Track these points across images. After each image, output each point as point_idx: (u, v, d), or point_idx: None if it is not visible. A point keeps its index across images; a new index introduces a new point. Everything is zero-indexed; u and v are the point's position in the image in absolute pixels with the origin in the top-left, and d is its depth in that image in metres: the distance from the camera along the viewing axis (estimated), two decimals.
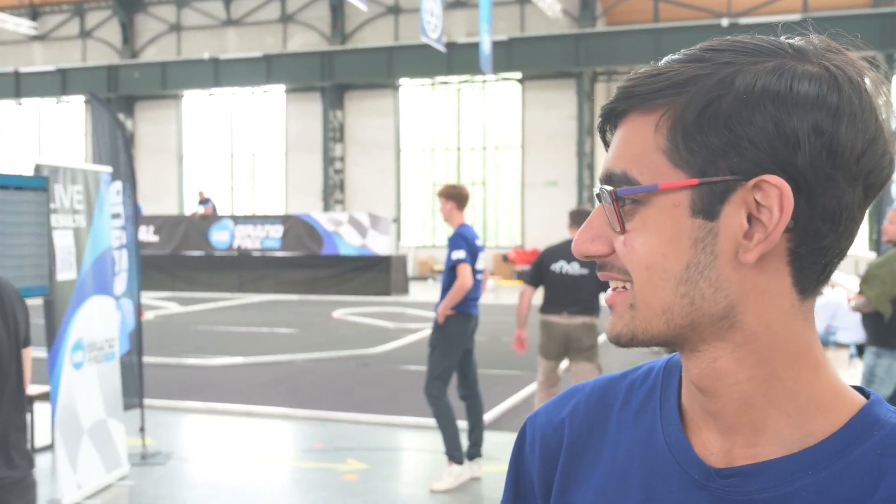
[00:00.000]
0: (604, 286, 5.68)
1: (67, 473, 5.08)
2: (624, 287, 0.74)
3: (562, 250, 5.96)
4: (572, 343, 5.92)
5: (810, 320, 0.73)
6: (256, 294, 19.23)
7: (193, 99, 28.21)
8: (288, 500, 5.51)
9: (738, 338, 0.71)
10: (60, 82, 27.42)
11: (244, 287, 19.53)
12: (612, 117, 0.75)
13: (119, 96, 26.98)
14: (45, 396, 6.04)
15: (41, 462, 6.10)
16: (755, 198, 0.68)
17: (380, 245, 19.21)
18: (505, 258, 23.52)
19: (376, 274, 19.01)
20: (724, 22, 21.04)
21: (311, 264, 19.33)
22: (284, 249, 19.63)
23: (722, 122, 0.68)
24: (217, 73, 26.04)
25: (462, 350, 5.66)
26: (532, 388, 8.33)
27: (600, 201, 0.74)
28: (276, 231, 19.77)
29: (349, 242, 19.29)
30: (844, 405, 0.72)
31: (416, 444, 6.84)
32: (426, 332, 8.92)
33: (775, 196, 0.67)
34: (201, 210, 21.96)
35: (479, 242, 5.68)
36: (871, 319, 5.44)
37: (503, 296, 18.55)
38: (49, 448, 6.02)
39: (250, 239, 19.87)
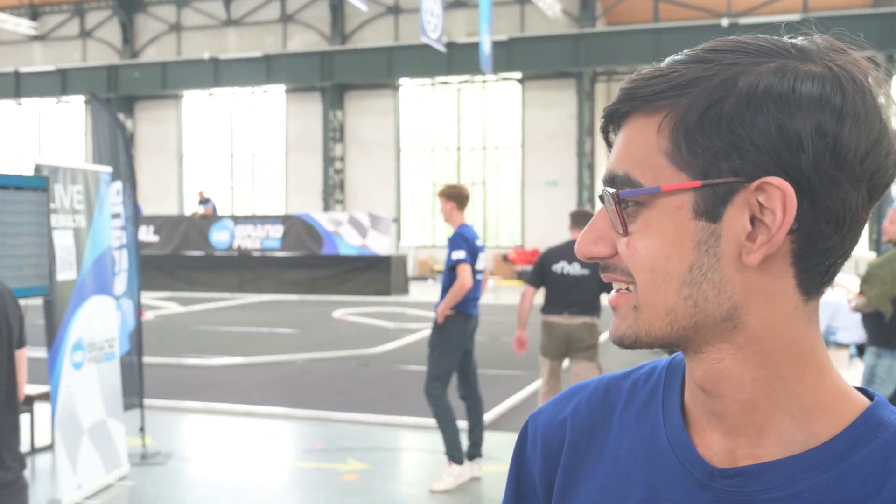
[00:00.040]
0: (604, 287, 5.72)
1: (67, 473, 5.08)
2: (627, 289, 0.73)
3: (563, 251, 5.99)
4: (573, 343, 5.94)
5: (814, 322, 0.72)
6: (256, 294, 19.23)
7: (193, 99, 28.21)
8: (288, 500, 5.51)
9: (742, 339, 0.71)
10: (60, 82, 27.42)
11: (244, 287, 19.53)
12: (615, 118, 0.75)
13: (119, 96, 26.98)
14: (45, 396, 6.04)
15: (41, 462, 6.10)
16: (758, 200, 0.68)
17: (380, 245, 19.21)
18: (505, 258, 23.52)
19: (376, 274, 19.01)
20: (724, 22, 21.04)
21: (311, 264, 19.33)
22: (284, 249, 19.63)
23: (724, 124, 0.68)
24: (217, 73, 26.04)
25: (462, 350, 5.66)
26: (531, 388, 8.33)
27: (603, 203, 0.74)
28: (276, 231, 19.77)
29: (349, 242, 19.29)
30: (848, 407, 0.72)
31: (416, 444, 6.84)
32: (426, 332, 8.91)
33: (778, 198, 0.67)
34: (201, 210, 21.96)
35: (479, 242, 5.69)
36: (872, 319, 5.44)
37: (503, 296, 18.55)
38: (49, 448, 6.02)
39: (250, 239, 19.87)
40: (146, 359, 7.50)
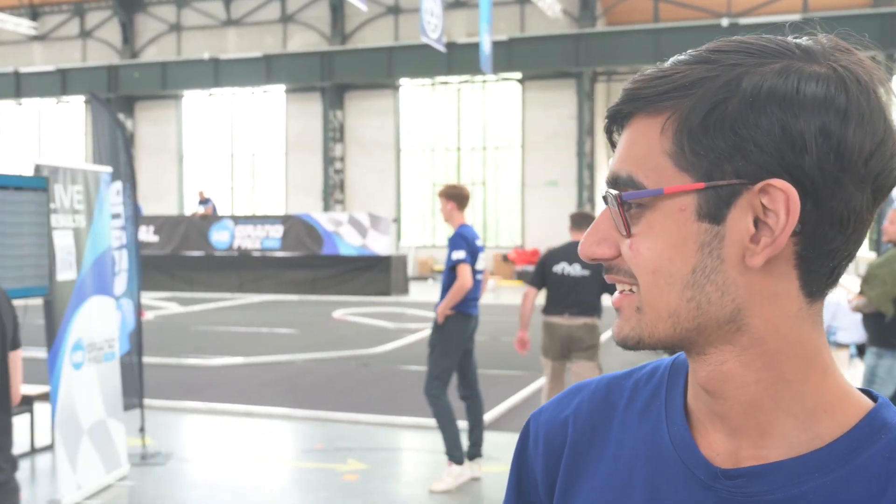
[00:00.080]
0: (605, 287, 5.73)
1: (67, 473, 5.08)
2: (630, 290, 0.73)
3: (564, 252, 6.00)
4: (574, 343, 5.95)
5: (818, 323, 0.72)
6: (256, 294, 19.23)
7: (193, 99, 28.21)
8: (288, 500, 5.51)
9: (746, 341, 0.70)
10: (60, 82, 27.42)
11: (244, 287, 19.52)
12: (618, 119, 0.75)
13: (119, 96, 26.97)
14: (44, 396, 6.04)
15: (41, 462, 6.10)
16: (762, 202, 0.67)
17: (380, 245, 19.21)
18: (505, 258, 23.53)
19: (376, 274, 19.01)
20: (725, 22, 21.04)
21: (311, 264, 19.33)
22: (284, 249, 19.63)
23: (728, 126, 0.67)
24: (217, 73, 26.04)
25: (462, 350, 5.66)
26: (532, 388, 8.34)
27: (606, 204, 0.74)
28: (276, 231, 19.77)
29: (349, 242, 19.29)
30: (852, 408, 0.72)
31: (416, 445, 6.84)
32: (426, 332, 8.91)
33: (781, 200, 0.67)
34: (201, 210, 21.96)
35: (479, 243, 5.69)
36: (872, 319, 5.44)
37: (503, 296, 18.55)
38: (49, 448, 6.01)
39: (250, 239, 19.87)
40: (146, 359, 7.49)
